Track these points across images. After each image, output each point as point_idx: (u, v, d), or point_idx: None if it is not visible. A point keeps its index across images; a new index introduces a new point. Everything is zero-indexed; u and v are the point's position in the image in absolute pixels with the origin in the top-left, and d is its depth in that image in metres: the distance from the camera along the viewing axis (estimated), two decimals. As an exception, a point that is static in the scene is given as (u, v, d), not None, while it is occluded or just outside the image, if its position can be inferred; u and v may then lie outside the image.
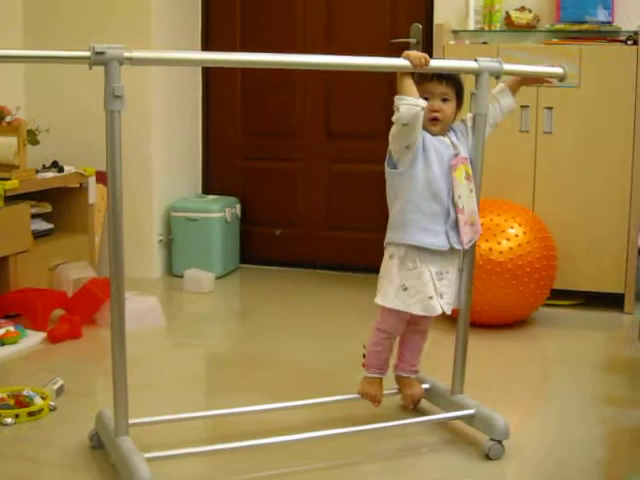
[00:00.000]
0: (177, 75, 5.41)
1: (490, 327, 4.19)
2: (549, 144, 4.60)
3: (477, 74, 2.87)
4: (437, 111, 2.85)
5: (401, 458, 2.85)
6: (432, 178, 2.82)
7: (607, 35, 4.67)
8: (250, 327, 4.47)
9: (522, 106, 4.56)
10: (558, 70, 3.07)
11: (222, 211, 5.37)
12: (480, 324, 4.08)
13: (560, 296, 4.63)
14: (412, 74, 2.80)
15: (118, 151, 2.45)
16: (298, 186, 5.63)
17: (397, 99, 2.76)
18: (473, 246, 2.96)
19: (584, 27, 4.68)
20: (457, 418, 2.99)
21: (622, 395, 3.46)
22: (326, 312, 4.65)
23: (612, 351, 4.04)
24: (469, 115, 2.94)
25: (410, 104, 2.74)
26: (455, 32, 4.91)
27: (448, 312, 2.91)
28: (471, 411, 2.94)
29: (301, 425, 2.95)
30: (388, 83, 4.71)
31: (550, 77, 3.12)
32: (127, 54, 2.40)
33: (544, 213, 4.51)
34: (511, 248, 4.14)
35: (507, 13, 4.86)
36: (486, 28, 4.89)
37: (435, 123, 2.86)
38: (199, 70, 5.65)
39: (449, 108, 2.88)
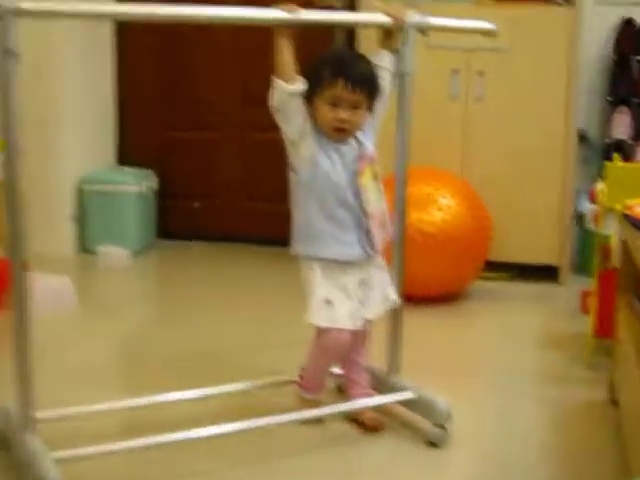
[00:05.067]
0: (85, 35, 5.09)
1: (423, 302, 4.00)
2: (480, 110, 4.43)
3: (401, 30, 2.65)
4: (345, 121, 2.54)
5: (335, 446, 2.64)
6: (336, 184, 2.55)
7: (541, -4, 4.51)
8: (168, 306, 4.24)
9: (453, 70, 4.39)
10: (489, 26, 2.88)
11: (138, 184, 5.12)
12: (412, 299, 3.88)
13: (493, 268, 4.48)
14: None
15: (14, 116, 2.20)
16: (216, 157, 5.40)
17: (273, 79, 2.50)
18: (402, 216, 2.80)
19: (517, -13, 4.51)
20: (395, 402, 2.80)
21: (563, 372, 3.34)
22: (247, 288, 4.44)
23: (549, 325, 3.93)
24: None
25: (279, 88, 2.49)
26: (381, -9, 4.70)
27: (373, 317, 2.69)
28: (409, 394, 2.75)
29: (219, 415, 2.71)
30: (308, 50, 4.52)
31: (478, 32, 2.95)
32: (25, 5, 2.14)
33: (476, 182, 4.35)
34: (444, 219, 3.96)
35: (436, -28, 4.67)
36: (414, -13, 4.68)
37: (341, 134, 2.56)
38: (110, 31, 5.34)
39: (358, 117, 2.56)
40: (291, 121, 2.53)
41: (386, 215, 2.67)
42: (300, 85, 2.51)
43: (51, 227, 4.95)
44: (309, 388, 2.82)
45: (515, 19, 4.30)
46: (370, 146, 2.62)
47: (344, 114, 2.53)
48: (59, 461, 2.22)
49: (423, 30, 2.71)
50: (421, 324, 3.77)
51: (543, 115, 4.38)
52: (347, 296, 2.62)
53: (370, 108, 2.60)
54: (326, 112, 2.53)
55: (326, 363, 2.79)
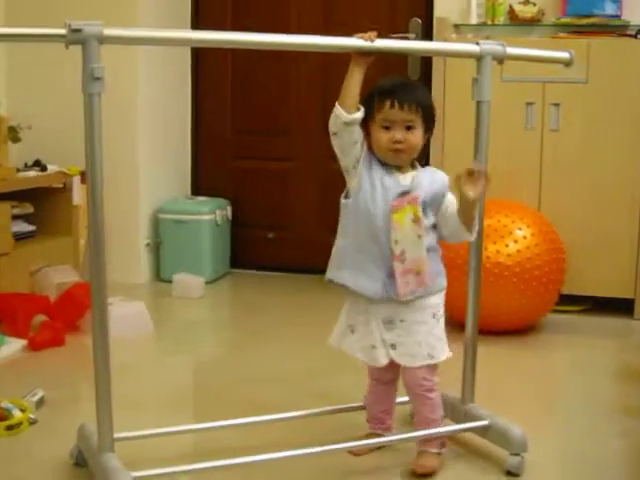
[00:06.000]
0: (165, 69, 5.22)
1: (497, 334, 3.97)
2: (556, 142, 4.40)
3: (479, 58, 2.65)
4: (399, 142, 2.51)
5: (409, 476, 2.61)
6: (374, 216, 2.51)
7: (615, 29, 4.51)
8: (241, 335, 4.26)
9: (527, 103, 4.39)
10: (564, 55, 2.85)
11: (212, 213, 5.18)
12: (487, 331, 3.86)
13: (567, 301, 4.42)
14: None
15: (98, 138, 2.24)
16: (291, 187, 5.44)
17: (335, 105, 2.50)
18: (479, 249, 2.75)
19: (591, 21, 4.51)
20: (469, 430, 2.77)
21: (638, 405, 3.26)
22: (320, 318, 4.39)
23: (624, 359, 3.86)
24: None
25: (338, 115, 2.48)
26: (456, 26, 4.73)
27: (407, 364, 2.59)
28: (484, 422, 2.72)
29: (295, 439, 2.72)
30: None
31: (555, 62, 2.90)
32: (107, 32, 2.19)
33: (551, 214, 4.31)
34: (519, 250, 3.94)
35: (511, 6, 4.69)
36: (489, 22, 4.71)
37: (398, 155, 2.53)
38: (188, 64, 5.46)
39: (414, 137, 2.53)
40: (345, 149, 2.53)
41: (423, 265, 2.53)
42: (358, 114, 2.49)
43: (128, 255, 5.04)
44: (367, 418, 2.83)
45: (590, 51, 4.29)
46: (419, 190, 2.53)
47: (398, 134, 2.51)
48: (136, 479, 2.25)
49: (500, 59, 2.70)
50: (494, 354, 3.75)
51: (620, 145, 4.34)
52: (369, 331, 2.59)
53: (427, 130, 2.57)
54: (381, 135, 2.52)
55: (370, 390, 2.80)
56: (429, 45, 2.68)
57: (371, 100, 2.54)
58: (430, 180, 2.57)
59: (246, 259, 5.52)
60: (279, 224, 5.47)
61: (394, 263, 2.51)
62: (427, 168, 2.65)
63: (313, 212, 5.38)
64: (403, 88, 2.55)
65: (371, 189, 2.54)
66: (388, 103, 2.51)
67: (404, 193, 2.52)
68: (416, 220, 2.51)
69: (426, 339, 2.58)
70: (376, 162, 2.56)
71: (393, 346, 2.58)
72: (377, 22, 5.04)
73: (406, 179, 2.55)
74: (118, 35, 2.26)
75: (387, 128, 2.52)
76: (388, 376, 2.74)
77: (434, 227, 2.58)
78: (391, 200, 2.51)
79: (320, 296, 4.88)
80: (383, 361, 2.60)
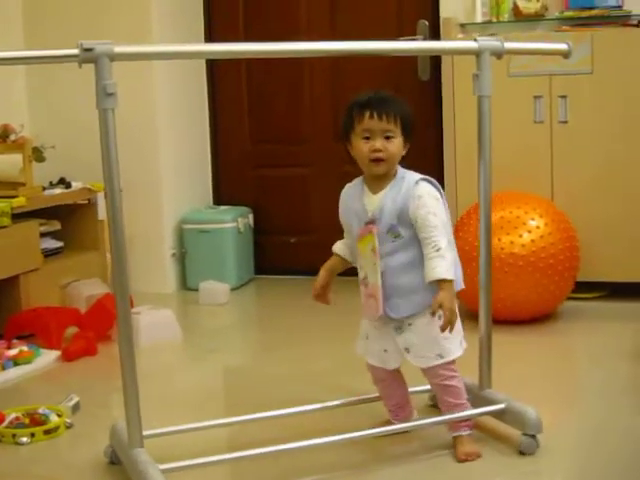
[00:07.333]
0: (182, 84, 5.34)
1: (515, 323, 4.06)
2: (565, 133, 4.48)
3: (477, 54, 2.74)
4: (379, 150, 2.62)
5: (430, 459, 2.72)
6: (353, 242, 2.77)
7: (618, 20, 4.58)
8: (268, 338, 4.38)
9: (535, 96, 4.47)
10: (563, 46, 2.90)
11: (234, 221, 5.29)
12: (505, 320, 3.95)
13: (584, 289, 4.49)
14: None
15: (114, 152, 2.37)
16: (310, 192, 5.53)
17: None
18: (488, 239, 2.83)
19: (594, 12, 4.59)
20: (487, 413, 2.85)
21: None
22: (345, 320, 4.51)
23: (642, 342, 3.91)
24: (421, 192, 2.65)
25: None
26: (462, 25, 4.81)
27: (421, 365, 2.71)
28: (501, 406, 2.81)
29: (319, 430, 2.77)
30: (395, 86, 4.73)
31: (552, 54, 2.98)
32: (117, 49, 2.31)
33: (564, 204, 4.38)
34: (533, 240, 4.03)
35: (514, 3, 4.77)
36: (494, 20, 4.80)
37: (378, 164, 2.64)
38: (204, 78, 5.58)
39: (394, 146, 2.63)
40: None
41: (377, 293, 2.66)
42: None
43: (155, 266, 5.17)
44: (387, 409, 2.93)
45: (594, 42, 4.36)
46: (386, 216, 2.65)
47: (377, 143, 2.62)
48: (165, 472, 2.36)
49: (498, 54, 2.76)
50: (512, 343, 3.82)
51: (628, 134, 4.41)
52: (379, 336, 2.75)
53: (406, 140, 2.66)
54: (361, 146, 2.65)
55: (376, 387, 2.91)
56: (430, 45, 2.78)
57: (350, 113, 2.66)
58: (394, 198, 2.65)
59: (269, 265, 5.61)
60: (300, 229, 5.55)
61: (360, 287, 2.73)
62: (401, 178, 2.68)
63: (332, 215, 5.41)
64: (381, 100, 2.66)
65: (349, 223, 2.78)
66: (367, 114, 2.62)
67: (367, 223, 2.68)
68: (373, 249, 2.66)
69: (435, 340, 2.67)
70: (353, 190, 2.77)
71: (407, 350, 2.70)
72: (384, 25, 5.16)
73: (374, 204, 2.68)
74: (128, 52, 2.39)
75: (367, 138, 2.64)
76: (386, 376, 2.84)
77: (415, 239, 2.65)
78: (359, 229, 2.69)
79: (342, 298, 4.96)
80: (393, 365, 2.76)
